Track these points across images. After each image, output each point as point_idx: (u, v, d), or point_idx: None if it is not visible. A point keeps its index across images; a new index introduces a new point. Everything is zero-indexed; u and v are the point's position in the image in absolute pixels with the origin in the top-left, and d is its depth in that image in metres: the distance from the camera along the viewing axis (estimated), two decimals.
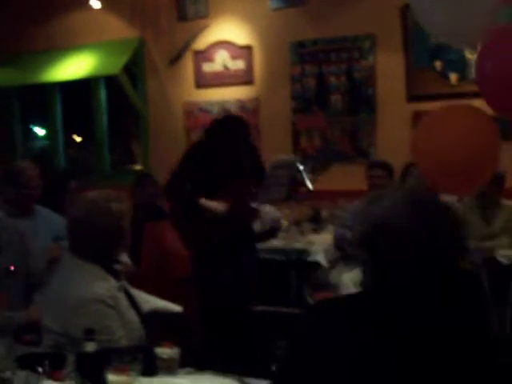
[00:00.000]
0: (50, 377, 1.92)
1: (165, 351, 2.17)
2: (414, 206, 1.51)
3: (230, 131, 4.24)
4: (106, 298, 2.38)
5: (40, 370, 1.95)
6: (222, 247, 4.21)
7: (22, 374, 1.99)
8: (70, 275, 2.45)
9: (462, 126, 3.80)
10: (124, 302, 2.51)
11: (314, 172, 4.27)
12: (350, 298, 1.69)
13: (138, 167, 8.44)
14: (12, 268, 2.97)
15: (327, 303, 1.71)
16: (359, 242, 1.56)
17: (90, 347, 1.94)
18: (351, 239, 1.67)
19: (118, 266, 2.57)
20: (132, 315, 2.53)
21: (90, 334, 1.96)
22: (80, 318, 2.34)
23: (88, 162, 9.35)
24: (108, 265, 2.50)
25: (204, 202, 4.19)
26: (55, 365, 2.05)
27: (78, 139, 9.75)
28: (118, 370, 1.91)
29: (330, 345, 1.51)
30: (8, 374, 2.01)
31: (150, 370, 2.12)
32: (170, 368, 2.15)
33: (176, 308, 2.93)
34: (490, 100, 3.59)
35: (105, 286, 2.42)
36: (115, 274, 2.52)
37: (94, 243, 2.45)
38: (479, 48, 3.29)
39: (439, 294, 1.50)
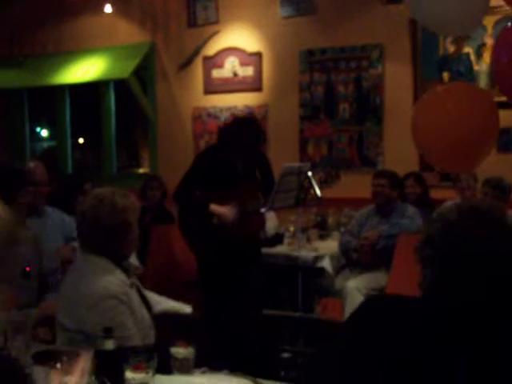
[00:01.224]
0: (69, 373, 1.94)
1: (180, 351, 2.18)
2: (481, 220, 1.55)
3: (243, 135, 4.25)
4: (119, 294, 2.41)
5: (58, 365, 1.98)
6: (227, 254, 4.22)
7: (40, 370, 2.02)
8: (82, 271, 2.48)
9: (460, 105, 3.86)
10: (136, 298, 2.54)
11: (326, 181, 4.29)
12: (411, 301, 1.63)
13: (144, 171, 8.50)
14: (28, 269, 3.00)
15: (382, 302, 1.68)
16: (425, 243, 1.59)
17: (109, 345, 1.98)
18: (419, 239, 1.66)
19: (127, 264, 2.59)
20: (144, 313, 2.57)
21: (108, 331, 2.00)
22: (95, 315, 2.38)
23: (93, 165, 9.41)
24: (118, 260, 2.53)
25: (214, 207, 4.20)
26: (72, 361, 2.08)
27: (81, 141, 9.81)
28: (136, 368, 1.95)
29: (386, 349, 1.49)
30: (26, 370, 2.04)
31: (164, 370, 2.15)
32: (184, 368, 2.17)
33: (187, 309, 2.97)
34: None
35: (117, 281, 2.45)
36: (126, 271, 2.55)
37: (101, 237, 2.48)
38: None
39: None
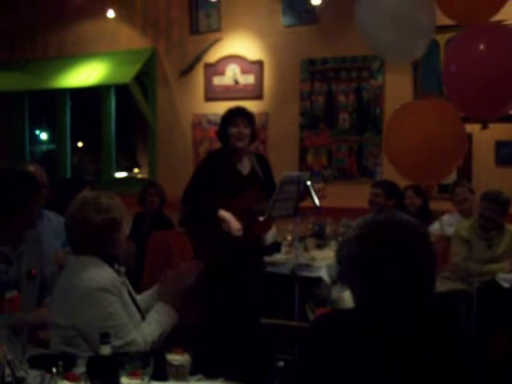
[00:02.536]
0: (64, 377, 1.94)
1: (176, 358, 2.19)
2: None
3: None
4: (109, 286, 2.46)
5: (54, 370, 1.98)
6: (230, 258, 4.23)
7: (35, 374, 2.02)
8: (74, 271, 2.53)
9: (428, 125, 3.94)
10: (126, 296, 2.58)
11: (326, 180, 4.30)
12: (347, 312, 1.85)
13: (143, 176, 8.50)
14: (34, 271, 3.00)
15: (327, 318, 1.84)
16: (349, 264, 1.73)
17: (106, 350, 1.98)
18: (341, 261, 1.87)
19: (118, 266, 2.62)
20: (134, 311, 2.59)
21: (105, 337, 1.99)
22: (87, 307, 2.42)
23: (91, 169, 9.41)
24: (109, 260, 2.57)
25: (223, 214, 4.21)
26: (66, 366, 2.09)
27: (81, 145, 9.82)
28: (132, 375, 1.95)
29: (335, 356, 1.66)
30: (22, 374, 2.05)
31: (160, 376, 2.15)
32: (180, 375, 2.18)
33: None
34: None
35: (107, 275, 2.50)
36: (117, 271, 2.59)
37: (88, 236, 2.54)
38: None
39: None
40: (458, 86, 3.88)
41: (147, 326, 2.54)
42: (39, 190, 2.94)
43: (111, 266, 2.58)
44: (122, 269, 2.64)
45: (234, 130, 4.31)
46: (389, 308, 1.66)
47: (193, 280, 2.77)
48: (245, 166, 4.42)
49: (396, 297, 1.65)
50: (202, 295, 4.15)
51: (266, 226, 4.47)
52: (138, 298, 2.79)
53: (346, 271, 1.74)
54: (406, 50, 4.13)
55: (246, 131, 4.33)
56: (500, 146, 6.05)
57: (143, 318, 2.62)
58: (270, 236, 5.48)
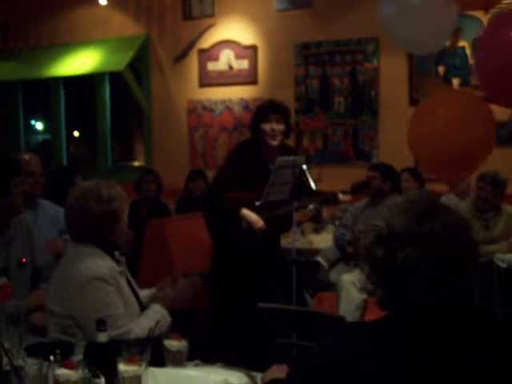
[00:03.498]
0: (62, 365, 1.94)
1: (173, 343, 2.19)
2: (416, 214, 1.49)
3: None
4: (106, 276, 2.44)
5: (51, 358, 1.98)
6: (248, 257, 4.17)
7: (33, 362, 2.02)
8: (72, 260, 2.52)
9: (455, 113, 3.91)
10: (125, 286, 2.57)
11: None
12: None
13: (138, 164, 8.49)
14: (24, 259, 3.01)
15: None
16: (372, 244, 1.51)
17: (102, 337, 1.98)
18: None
19: (118, 255, 2.62)
20: (133, 300, 2.59)
21: (101, 324, 1.99)
22: (82, 297, 2.41)
23: (87, 158, 9.39)
24: (108, 249, 2.56)
25: (245, 212, 4.07)
26: (64, 354, 2.09)
27: (77, 134, 9.79)
28: (129, 361, 1.95)
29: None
30: (19, 362, 2.05)
31: (157, 362, 2.15)
32: (177, 360, 2.17)
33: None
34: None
35: (105, 265, 2.48)
36: (117, 261, 2.58)
37: (88, 226, 2.52)
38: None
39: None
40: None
41: (145, 318, 2.53)
42: (18, 172, 2.95)
43: (111, 255, 2.57)
44: (123, 258, 2.63)
45: (266, 127, 4.10)
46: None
47: (189, 296, 2.76)
48: (273, 160, 4.10)
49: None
50: (207, 282, 4.12)
51: (286, 226, 4.39)
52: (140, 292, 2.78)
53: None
54: (432, 42, 4.04)
55: (280, 128, 4.12)
56: (499, 126, 6.03)
57: (142, 309, 2.61)
58: None
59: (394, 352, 1.43)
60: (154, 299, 2.68)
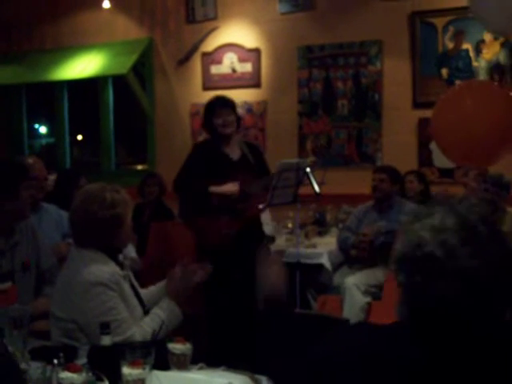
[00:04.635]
0: (66, 369, 1.94)
1: (177, 347, 2.18)
2: (469, 237, 1.30)
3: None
4: (108, 281, 2.44)
5: (55, 361, 1.98)
6: (231, 242, 4.21)
7: (36, 366, 2.02)
8: (75, 265, 2.52)
9: (479, 100, 3.90)
10: (128, 290, 2.57)
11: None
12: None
13: (142, 167, 8.49)
14: (28, 262, 3.01)
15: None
16: (398, 263, 1.37)
17: (106, 341, 1.98)
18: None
19: (122, 258, 2.62)
20: (136, 304, 2.59)
21: (105, 327, 1.99)
22: (85, 303, 2.41)
23: (91, 161, 9.39)
24: (111, 253, 2.56)
25: (214, 188, 4.22)
26: (68, 357, 2.09)
27: (80, 138, 9.79)
28: (133, 364, 1.94)
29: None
30: (23, 366, 2.05)
31: (161, 365, 2.15)
32: (181, 364, 2.17)
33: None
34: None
35: (108, 270, 2.48)
36: (121, 265, 2.58)
37: (92, 231, 2.52)
38: None
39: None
40: None
41: (148, 321, 2.52)
42: (27, 176, 2.97)
43: (115, 258, 2.57)
44: (127, 262, 2.63)
45: (218, 121, 4.36)
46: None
47: (199, 281, 2.76)
48: (234, 152, 4.43)
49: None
50: (203, 285, 4.13)
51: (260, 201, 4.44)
52: (144, 292, 2.79)
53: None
54: None
55: (231, 119, 4.39)
56: None
57: (146, 312, 2.61)
58: (269, 230, 5.44)
59: (407, 361, 1.35)
60: (164, 292, 2.70)
